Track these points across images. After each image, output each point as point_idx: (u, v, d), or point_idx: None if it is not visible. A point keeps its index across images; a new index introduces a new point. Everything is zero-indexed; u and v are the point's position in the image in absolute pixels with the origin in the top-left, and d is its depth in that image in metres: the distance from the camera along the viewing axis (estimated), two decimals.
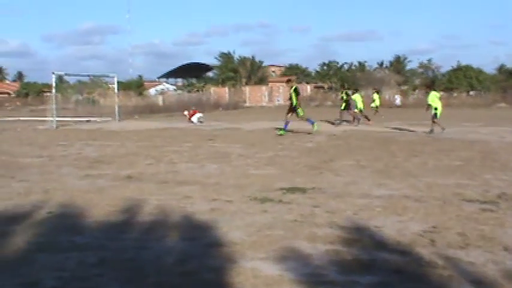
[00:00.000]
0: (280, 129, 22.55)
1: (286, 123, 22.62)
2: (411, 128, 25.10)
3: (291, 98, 22.74)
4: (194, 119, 34.21)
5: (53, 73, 32.77)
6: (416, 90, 70.99)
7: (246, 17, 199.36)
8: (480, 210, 7.97)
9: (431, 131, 22.09)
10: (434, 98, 22.76)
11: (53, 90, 32.90)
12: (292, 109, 22.63)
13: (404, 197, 9.11)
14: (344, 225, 7.17)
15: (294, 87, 23.13)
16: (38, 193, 9.79)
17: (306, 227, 7.11)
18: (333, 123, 29.52)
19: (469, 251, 6.05)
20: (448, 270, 5.44)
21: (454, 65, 77.79)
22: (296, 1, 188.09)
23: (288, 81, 25.67)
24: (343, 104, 30.39)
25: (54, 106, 30.88)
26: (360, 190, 9.84)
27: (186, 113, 34.56)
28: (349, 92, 32.25)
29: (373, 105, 35.20)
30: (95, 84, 73.34)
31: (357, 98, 31.31)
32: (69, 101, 60.96)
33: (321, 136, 21.35)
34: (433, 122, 22.42)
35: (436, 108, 22.38)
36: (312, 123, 22.55)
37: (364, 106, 31.10)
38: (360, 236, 6.72)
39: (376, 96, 37.43)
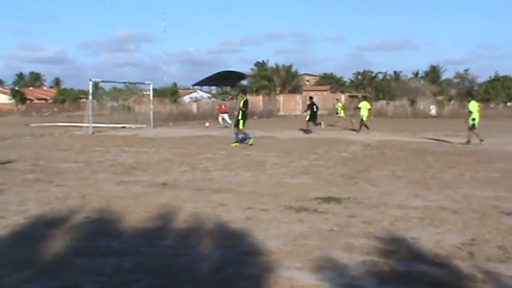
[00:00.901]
0: (245, 139, 22.28)
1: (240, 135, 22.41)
2: (447, 139, 24.78)
3: (241, 109, 22.28)
4: (220, 118, 34.78)
5: (90, 80, 33.20)
6: (452, 101, 70.20)
7: (280, 26, 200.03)
8: None
9: (468, 142, 21.70)
10: (474, 107, 22.30)
11: (90, 97, 33.29)
12: (238, 120, 22.23)
13: (441, 208, 9.01)
14: (380, 236, 7.11)
15: (244, 99, 22.85)
16: (75, 198, 9.91)
17: (342, 237, 7.07)
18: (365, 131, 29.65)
19: (509, 265, 5.95)
20: (488, 284, 5.36)
21: (492, 75, 76.95)
22: (330, 10, 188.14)
23: (242, 92, 25.95)
24: (309, 116, 31.71)
25: (90, 112, 31.21)
26: (396, 201, 9.75)
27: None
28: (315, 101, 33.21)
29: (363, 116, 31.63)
30: (130, 91, 73.94)
31: (362, 106, 31.75)
32: (104, 107, 61.69)
33: (356, 146, 21.24)
34: (470, 132, 21.97)
35: (473, 119, 21.89)
36: (249, 138, 21.97)
37: (368, 115, 31.42)
38: (396, 247, 6.66)
39: (362, 104, 32.61)
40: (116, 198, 9.90)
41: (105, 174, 13.27)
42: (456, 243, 6.77)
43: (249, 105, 23.31)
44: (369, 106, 32.16)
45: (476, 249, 6.52)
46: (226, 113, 37.76)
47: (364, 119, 30.99)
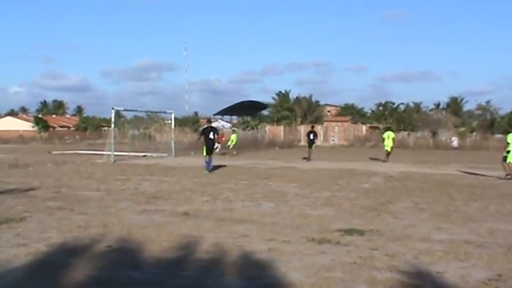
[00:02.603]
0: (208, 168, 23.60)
1: (211, 162, 24.00)
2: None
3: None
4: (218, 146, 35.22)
5: (112, 108, 33.43)
6: (474, 133, 69.79)
7: (302, 56, 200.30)
8: None
9: (509, 175, 20.93)
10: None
11: (112, 125, 33.50)
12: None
13: (465, 242, 8.89)
14: (404, 270, 7.02)
15: (215, 128, 25.33)
16: (97, 226, 9.93)
17: (365, 270, 6.99)
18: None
19: None
20: None
21: None
22: (351, 40, 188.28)
23: (208, 121, 27.86)
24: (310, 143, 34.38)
25: (112, 140, 31.43)
26: (419, 233, 9.64)
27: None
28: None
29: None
30: (151, 119, 74.39)
31: (386, 136, 33.01)
32: (126, 135, 62.04)
33: (378, 177, 21.13)
34: (504, 164, 21.35)
35: (508, 151, 21.11)
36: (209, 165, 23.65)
37: (392, 145, 32.71)
38: (421, 281, 6.57)
39: (387, 134, 33.63)
40: (138, 227, 9.91)
41: (126, 203, 13.29)
42: (482, 278, 6.67)
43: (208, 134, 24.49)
44: (392, 135, 33.00)
45: (503, 285, 6.42)
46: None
47: (389, 149, 32.15)
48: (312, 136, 34.66)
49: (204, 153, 23.98)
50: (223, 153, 37.87)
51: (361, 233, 9.50)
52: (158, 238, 8.87)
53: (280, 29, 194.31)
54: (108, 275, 6.71)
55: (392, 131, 34.91)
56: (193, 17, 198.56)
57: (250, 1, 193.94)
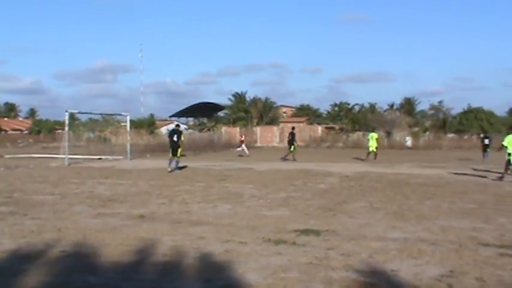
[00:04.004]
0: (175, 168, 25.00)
1: (174, 162, 25.27)
2: (425, 171, 24.98)
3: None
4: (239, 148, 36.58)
5: (66, 111, 32.98)
6: (427, 132, 70.89)
7: (258, 57, 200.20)
8: (497, 255, 7.89)
9: (501, 178, 20.61)
10: (510, 142, 20.88)
11: (66, 128, 33.05)
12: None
13: (419, 240, 9.04)
14: (360, 269, 7.11)
15: (179, 130, 26.30)
16: (51, 231, 9.80)
17: (322, 270, 7.05)
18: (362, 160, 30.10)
19: None
20: None
21: (465, 107, 77.94)
22: (307, 42, 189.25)
23: (177, 125, 28.60)
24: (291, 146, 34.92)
25: (66, 143, 31.04)
26: (374, 232, 9.77)
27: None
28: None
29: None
30: (106, 122, 73.72)
31: (372, 136, 34.21)
32: (81, 138, 61.33)
33: (334, 177, 21.30)
34: (506, 168, 20.87)
35: (510, 154, 20.69)
36: (171, 165, 24.98)
37: (376, 145, 33.91)
38: (376, 279, 6.66)
39: (371, 135, 35.07)
40: (93, 231, 9.81)
41: (81, 206, 13.14)
42: (435, 275, 6.79)
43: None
44: (376, 136, 34.35)
45: (455, 281, 6.54)
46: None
47: (373, 149, 33.62)
48: (290, 137, 35.09)
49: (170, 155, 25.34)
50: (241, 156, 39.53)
51: (317, 233, 9.57)
52: (114, 242, 8.81)
53: (236, 30, 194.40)
54: (63, 281, 6.64)
55: (374, 132, 35.89)
56: (148, 18, 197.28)
57: (205, 2, 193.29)
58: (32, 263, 7.44)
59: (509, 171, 20.66)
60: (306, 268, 7.14)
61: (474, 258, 7.67)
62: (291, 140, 34.69)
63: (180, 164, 25.87)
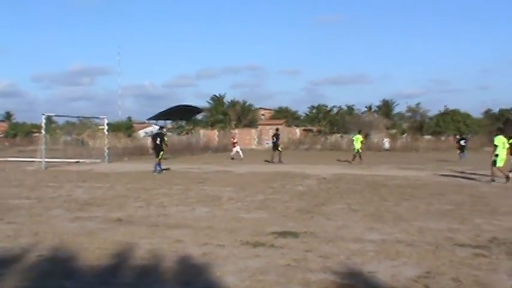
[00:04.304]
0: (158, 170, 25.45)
1: (158, 165, 25.73)
2: (402, 173, 25.15)
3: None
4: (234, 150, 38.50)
5: (43, 114, 32.74)
6: (405, 134, 71.39)
7: (236, 60, 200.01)
8: (473, 255, 7.97)
9: (493, 180, 20.21)
10: (499, 142, 20.48)
11: (43, 131, 32.81)
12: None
13: (396, 241, 9.09)
14: (337, 270, 7.13)
15: (161, 133, 27.10)
16: (27, 236, 9.70)
17: (299, 272, 7.07)
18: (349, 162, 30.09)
19: None
20: None
21: (442, 109, 78.57)
22: (285, 44, 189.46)
23: (161, 128, 30.18)
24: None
25: (43, 147, 30.79)
26: (352, 234, 9.81)
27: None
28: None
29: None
30: (84, 125, 73.32)
31: (357, 138, 34.44)
32: (58, 141, 60.93)
33: (311, 180, 21.36)
34: (492, 169, 20.51)
35: (496, 155, 20.28)
36: (156, 169, 25.41)
37: (360, 147, 33.97)
38: (354, 281, 6.69)
39: (356, 137, 35.39)
40: (70, 235, 9.74)
41: (58, 210, 13.05)
42: (412, 276, 6.84)
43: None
44: (360, 138, 34.50)
45: (432, 281, 6.59)
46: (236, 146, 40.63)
47: (359, 150, 33.78)
48: (275, 139, 35.19)
49: (159, 157, 25.88)
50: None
51: (295, 235, 9.59)
52: (91, 246, 8.75)
53: (214, 32, 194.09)
54: (39, 286, 6.59)
55: (360, 134, 35.88)
56: (126, 20, 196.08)
57: (183, 5, 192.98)
58: (8, 268, 7.36)
59: (498, 172, 20.38)
60: (284, 270, 7.15)
61: (450, 259, 7.74)
62: (276, 142, 34.78)
63: (163, 167, 26.02)
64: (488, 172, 20.90)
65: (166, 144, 26.03)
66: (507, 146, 20.47)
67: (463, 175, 23.73)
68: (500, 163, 20.20)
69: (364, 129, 64.62)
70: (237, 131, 67.58)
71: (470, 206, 13.66)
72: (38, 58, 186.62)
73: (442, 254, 8.06)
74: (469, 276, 6.84)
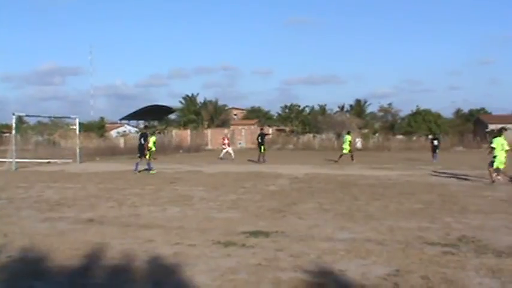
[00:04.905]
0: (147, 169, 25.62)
1: (140, 165, 25.71)
2: (374, 172, 25.34)
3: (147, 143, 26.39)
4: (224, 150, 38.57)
5: (13, 114, 32.40)
6: (377, 134, 71.86)
7: (209, 60, 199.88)
8: (442, 253, 8.07)
9: (493, 182, 19.56)
10: (498, 144, 19.91)
11: (13, 131, 32.50)
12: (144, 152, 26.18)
13: (367, 240, 9.17)
14: (308, 269, 7.17)
15: (143, 133, 27.57)
16: None
17: (270, 271, 7.10)
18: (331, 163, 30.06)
19: None
20: None
21: (414, 109, 79.27)
22: (258, 44, 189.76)
23: (145, 127, 31.69)
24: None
25: (14, 147, 30.49)
26: (323, 233, 9.87)
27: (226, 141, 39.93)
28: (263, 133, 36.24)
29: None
30: (55, 125, 72.73)
31: (346, 139, 35.29)
32: (29, 142, 60.30)
33: (284, 179, 21.42)
34: (489, 169, 20.02)
35: (495, 157, 19.76)
36: (151, 169, 25.59)
37: (349, 147, 34.82)
38: (324, 280, 6.74)
39: (346, 138, 36.16)
40: (40, 236, 9.68)
41: (29, 211, 12.95)
42: (382, 274, 6.91)
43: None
44: (349, 139, 35.34)
45: (401, 280, 6.66)
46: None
47: (346, 151, 34.53)
48: (260, 139, 35.06)
49: (148, 157, 26.20)
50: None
51: (266, 234, 9.63)
52: (62, 246, 8.70)
53: (186, 32, 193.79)
54: (9, 287, 6.55)
55: (349, 134, 36.60)
56: (98, 20, 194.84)
57: (155, 4, 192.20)
58: None
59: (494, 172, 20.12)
60: (255, 269, 7.18)
61: (420, 257, 7.83)
62: (261, 142, 34.67)
63: (145, 167, 25.80)
64: (460, 172, 21.10)
65: (148, 145, 25.94)
66: (507, 148, 19.98)
67: (434, 174, 23.95)
68: (499, 165, 19.80)
69: (337, 129, 65.18)
70: (226, 131, 67.36)
71: (440, 205, 13.81)
72: (7, 57, 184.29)
73: (412, 253, 8.15)
74: (438, 273, 6.93)
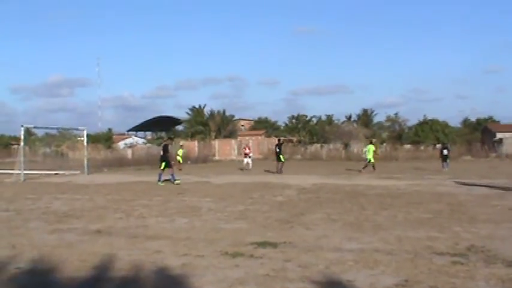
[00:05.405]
0: (162, 180, 25.50)
1: (163, 176, 25.70)
2: (382, 182, 25.28)
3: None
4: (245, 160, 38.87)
5: (22, 126, 32.55)
6: (384, 144, 71.71)
7: (216, 71, 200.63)
8: (451, 263, 8.02)
9: None
10: None
11: (22, 143, 32.66)
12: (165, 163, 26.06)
13: (375, 250, 9.14)
14: (316, 280, 7.15)
15: (164, 144, 27.89)
16: (5, 248, 9.63)
17: (278, 281, 7.08)
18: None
19: None
20: None
21: (421, 118, 79.18)
22: (265, 54, 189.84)
23: (169, 139, 31.46)
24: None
25: (22, 159, 30.61)
26: (331, 244, 9.84)
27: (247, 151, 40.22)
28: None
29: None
30: (63, 137, 72.99)
31: (369, 148, 35.13)
32: (37, 153, 60.55)
33: (291, 190, 21.40)
34: None
35: None
36: (174, 180, 25.53)
37: (372, 157, 34.62)
38: None
39: (369, 147, 35.95)
40: (49, 247, 9.69)
41: (37, 222, 12.97)
42: (390, 284, 6.88)
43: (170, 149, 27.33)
44: (373, 148, 35.22)
45: None
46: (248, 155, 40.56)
47: (371, 160, 34.43)
48: (277, 149, 35.33)
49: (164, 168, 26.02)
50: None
51: (274, 245, 9.60)
52: (70, 257, 8.71)
53: (194, 43, 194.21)
54: None
55: (373, 144, 36.76)
56: (105, 32, 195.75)
57: (162, 16, 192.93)
58: None
59: None
60: (263, 280, 7.16)
61: (429, 267, 7.79)
62: (279, 152, 34.84)
63: (164, 177, 25.74)
64: (468, 181, 21.03)
65: (168, 155, 26.09)
66: None
67: (441, 183, 23.87)
68: None
69: (344, 139, 65.14)
70: (216, 142, 67.48)
71: (448, 214, 13.75)
72: (16, 69, 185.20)
73: (420, 262, 8.11)
74: (447, 283, 6.89)
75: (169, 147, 27.01)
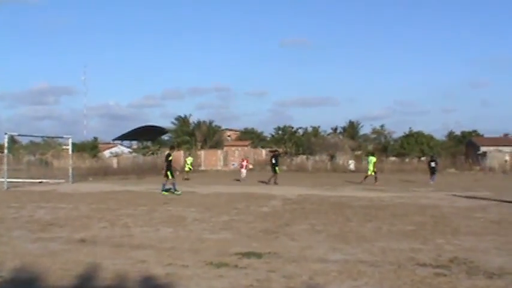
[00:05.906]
0: (165, 190, 25.42)
1: (172, 185, 25.68)
2: (367, 194, 25.37)
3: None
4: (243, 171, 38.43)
5: (6, 134, 32.40)
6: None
7: (202, 81, 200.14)
8: (433, 275, 8.08)
9: None
10: None
11: (5, 151, 32.48)
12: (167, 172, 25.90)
13: (359, 261, 9.17)
14: None
15: (168, 153, 27.56)
16: None
17: None
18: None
19: None
20: None
21: (406, 131, 79.52)
22: (252, 65, 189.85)
23: (171, 148, 32.19)
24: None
25: (5, 167, 30.42)
26: (315, 255, 9.87)
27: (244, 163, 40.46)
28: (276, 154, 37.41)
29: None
30: (48, 145, 72.67)
31: (371, 160, 35.42)
32: (21, 161, 60.18)
33: (276, 200, 21.43)
34: None
35: None
36: (175, 190, 25.32)
37: (373, 169, 34.88)
38: None
39: (370, 159, 36.36)
40: (32, 256, 9.65)
41: (20, 231, 12.90)
42: None
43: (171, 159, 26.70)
44: (374, 160, 35.42)
45: None
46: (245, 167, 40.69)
47: (372, 172, 34.75)
48: (273, 160, 35.37)
49: (171, 177, 25.91)
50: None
51: (258, 255, 9.62)
52: (53, 266, 8.68)
53: (180, 53, 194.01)
54: None
55: (373, 156, 36.81)
56: (92, 40, 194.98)
57: (149, 25, 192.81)
58: None
59: None
60: None
61: (412, 279, 7.84)
62: (275, 164, 34.89)
63: (167, 187, 25.70)
64: (453, 193, 21.20)
65: (169, 164, 25.92)
66: None
67: (426, 196, 23.99)
68: None
69: (330, 151, 65.29)
70: (202, 152, 67.45)
71: (432, 226, 13.83)
72: (1, 76, 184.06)
73: (404, 274, 8.16)
74: None
75: (171, 157, 26.74)
